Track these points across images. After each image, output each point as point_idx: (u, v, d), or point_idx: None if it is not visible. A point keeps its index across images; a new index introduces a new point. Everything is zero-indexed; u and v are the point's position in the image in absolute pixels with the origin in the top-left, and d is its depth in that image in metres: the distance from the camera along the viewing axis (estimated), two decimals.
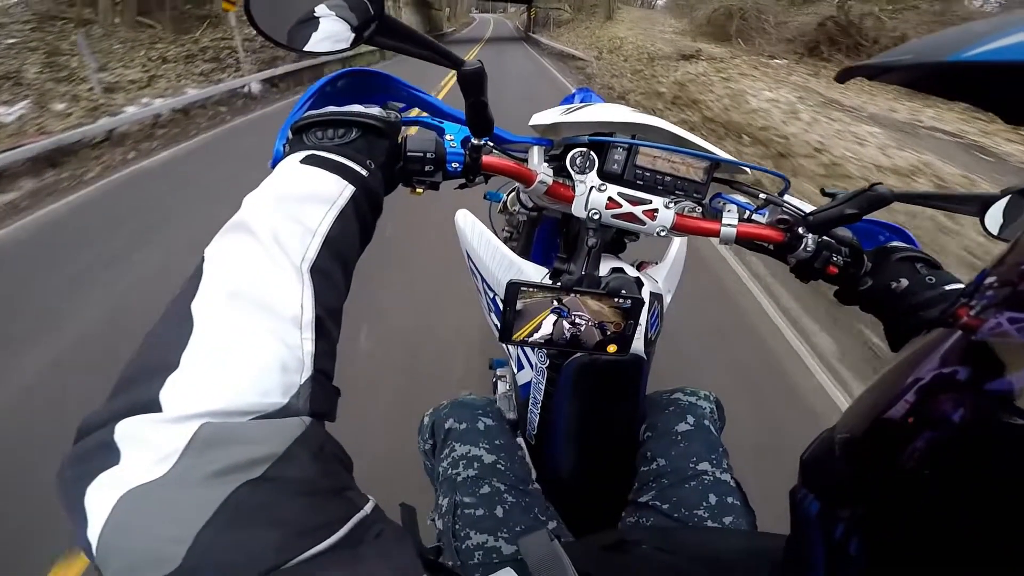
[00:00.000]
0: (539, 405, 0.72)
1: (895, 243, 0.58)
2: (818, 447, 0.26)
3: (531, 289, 0.52)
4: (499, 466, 0.68)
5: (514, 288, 0.52)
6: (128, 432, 0.23)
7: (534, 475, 0.73)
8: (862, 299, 0.56)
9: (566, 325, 0.54)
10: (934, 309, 0.46)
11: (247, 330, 0.28)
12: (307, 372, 0.29)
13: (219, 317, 0.29)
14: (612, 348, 0.56)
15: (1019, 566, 0.16)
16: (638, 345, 0.65)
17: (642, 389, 0.72)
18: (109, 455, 0.23)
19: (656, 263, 0.78)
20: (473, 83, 0.47)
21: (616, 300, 0.54)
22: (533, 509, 0.65)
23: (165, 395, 0.25)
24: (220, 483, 0.22)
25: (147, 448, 0.23)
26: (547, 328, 0.54)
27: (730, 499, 0.65)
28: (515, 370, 0.81)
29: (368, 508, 0.26)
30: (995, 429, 0.17)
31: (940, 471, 0.18)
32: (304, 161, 0.40)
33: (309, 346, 0.30)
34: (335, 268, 0.36)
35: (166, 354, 0.27)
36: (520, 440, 0.79)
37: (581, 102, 0.81)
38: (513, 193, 0.91)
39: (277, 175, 0.39)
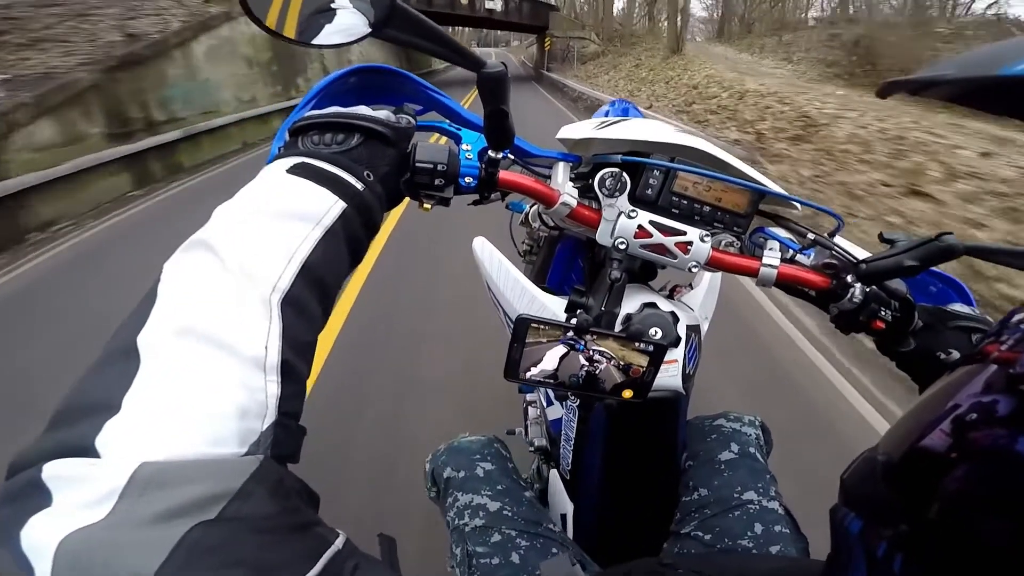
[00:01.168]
0: (572, 442, 0.67)
1: (955, 306, 0.53)
2: (859, 467, 0.25)
3: (543, 327, 0.47)
4: (505, 512, 0.66)
5: (524, 324, 0.47)
6: (58, 472, 0.22)
7: (569, 510, 0.70)
8: (901, 358, 0.52)
9: (581, 365, 0.48)
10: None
11: (201, 372, 0.26)
12: (270, 417, 0.27)
13: (169, 355, 0.26)
14: (628, 394, 0.50)
15: None
16: (675, 381, 0.61)
17: (682, 423, 0.67)
18: (39, 496, 0.21)
19: (689, 286, 0.72)
20: (494, 89, 0.41)
21: (639, 345, 0.48)
22: (550, 549, 0.63)
23: (102, 442, 0.22)
24: (170, 525, 0.20)
25: (80, 489, 0.21)
26: (556, 367, 0.48)
27: (778, 527, 0.61)
28: (544, 404, 0.79)
29: (339, 543, 0.24)
30: None
31: (981, 497, 0.18)
32: (291, 170, 0.35)
33: (274, 388, 0.27)
34: (312, 298, 0.32)
35: (106, 394, 0.24)
36: (553, 472, 0.75)
37: (619, 115, 0.77)
38: (536, 207, 0.83)
39: (257, 185, 0.35)
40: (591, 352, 0.48)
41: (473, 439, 0.79)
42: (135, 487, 0.21)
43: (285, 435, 0.27)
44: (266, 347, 0.28)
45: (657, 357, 0.48)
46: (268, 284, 0.29)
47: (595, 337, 0.47)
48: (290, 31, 0.37)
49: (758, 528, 0.61)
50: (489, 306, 0.76)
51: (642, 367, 0.48)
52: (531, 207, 0.89)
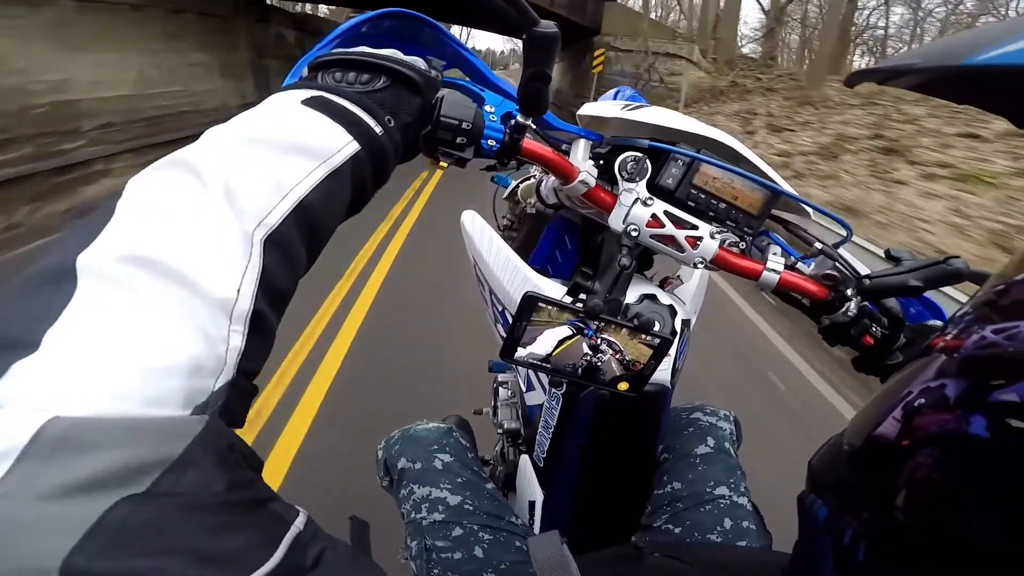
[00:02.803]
0: (550, 430, 0.65)
1: (936, 324, 0.55)
2: (826, 453, 0.26)
3: (550, 307, 0.46)
4: (467, 506, 0.64)
5: (531, 302, 0.46)
6: None
7: (539, 497, 0.68)
8: (885, 373, 0.52)
9: (584, 353, 0.48)
10: None
11: (153, 310, 0.21)
12: (226, 375, 0.23)
13: (115, 284, 0.21)
14: (624, 386, 0.50)
15: None
16: (665, 375, 0.60)
17: (665, 417, 0.68)
18: None
19: (678, 278, 0.71)
20: (542, 50, 0.39)
21: (645, 337, 0.48)
22: (514, 543, 0.61)
23: (5, 386, 0.18)
24: (87, 499, 0.16)
25: None
26: (554, 351, 0.48)
27: (746, 523, 0.62)
28: (523, 388, 0.77)
29: (300, 523, 0.20)
30: (1000, 438, 0.17)
31: (937, 481, 0.19)
32: (307, 102, 0.32)
33: (237, 341, 0.23)
34: (299, 242, 0.28)
35: (23, 326, 0.19)
36: (524, 457, 0.73)
37: (627, 100, 0.72)
38: (529, 183, 0.82)
39: (263, 110, 0.31)
40: (597, 340, 0.47)
41: (430, 427, 0.77)
42: (41, 447, 0.17)
43: (237, 397, 0.24)
44: (239, 290, 0.24)
45: (661, 351, 0.48)
46: (254, 217, 0.26)
47: (603, 324, 0.47)
48: None
49: (727, 523, 0.61)
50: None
51: (642, 361, 0.48)
52: (521, 183, 0.86)
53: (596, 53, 12.19)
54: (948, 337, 0.21)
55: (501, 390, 0.92)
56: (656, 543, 0.60)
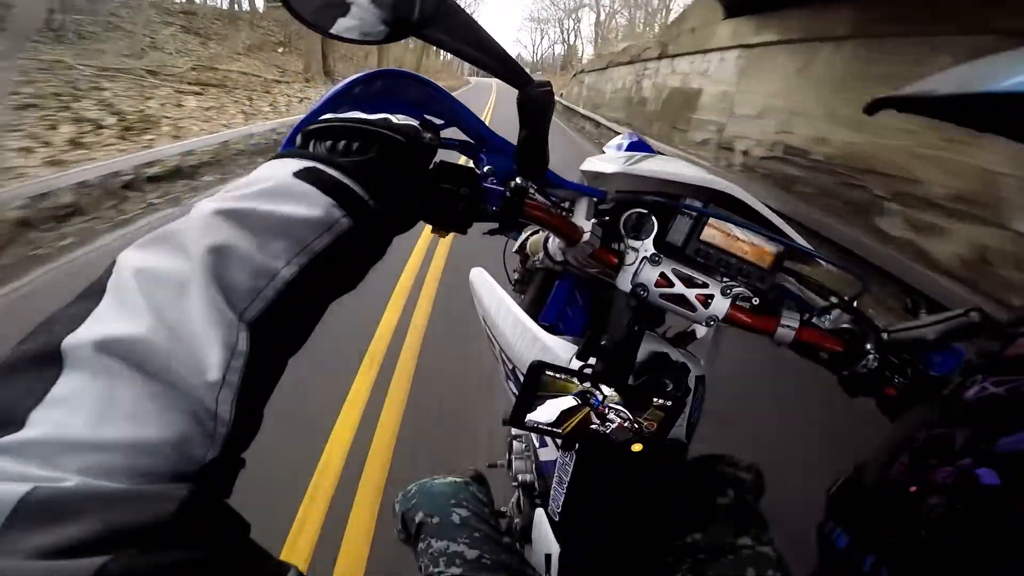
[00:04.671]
0: (565, 485, 0.63)
1: None
2: (844, 486, 0.26)
3: (557, 376, 0.46)
4: (484, 560, 0.66)
5: (537, 372, 0.46)
6: None
7: (555, 551, 0.66)
8: None
9: (591, 422, 0.48)
10: None
11: (141, 393, 0.22)
12: (214, 451, 0.24)
13: (102, 368, 0.22)
14: (638, 447, 0.50)
15: None
16: (680, 431, 0.61)
17: (682, 469, 0.69)
18: None
19: (693, 331, 0.72)
20: (536, 110, 0.39)
21: (655, 400, 0.48)
22: None
23: None
24: (78, 560, 0.17)
25: None
26: (567, 423, 0.48)
27: (770, 571, 0.62)
28: (536, 444, 0.77)
29: None
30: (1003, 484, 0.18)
31: (949, 522, 0.20)
32: (299, 174, 0.32)
33: (226, 419, 0.25)
34: (287, 324, 0.28)
35: (8, 406, 0.21)
36: (539, 511, 0.72)
37: (628, 151, 0.73)
38: (537, 237, 0.78)
39: (254, 183, 0.31)
40: (605, 408, 0.47)
41: (447, 481, 0.78)
42: (25, 515, 0.17)
43: (225, 470, 0.25)
44: (225, 374, 0.25)
45: (672, 413, 0.48)
46: (242, 301, 0.26)
47: (611, 389, 0.46)
48: (309, 13, 0.34)
49: (751, 572, 0.62)
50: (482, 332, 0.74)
51: (655, 422, 0.48)
52: (529, 235, 0.83)
53: None
54: (952, 385, 0.22)
55: (515, 443, 0.92)
56: None
